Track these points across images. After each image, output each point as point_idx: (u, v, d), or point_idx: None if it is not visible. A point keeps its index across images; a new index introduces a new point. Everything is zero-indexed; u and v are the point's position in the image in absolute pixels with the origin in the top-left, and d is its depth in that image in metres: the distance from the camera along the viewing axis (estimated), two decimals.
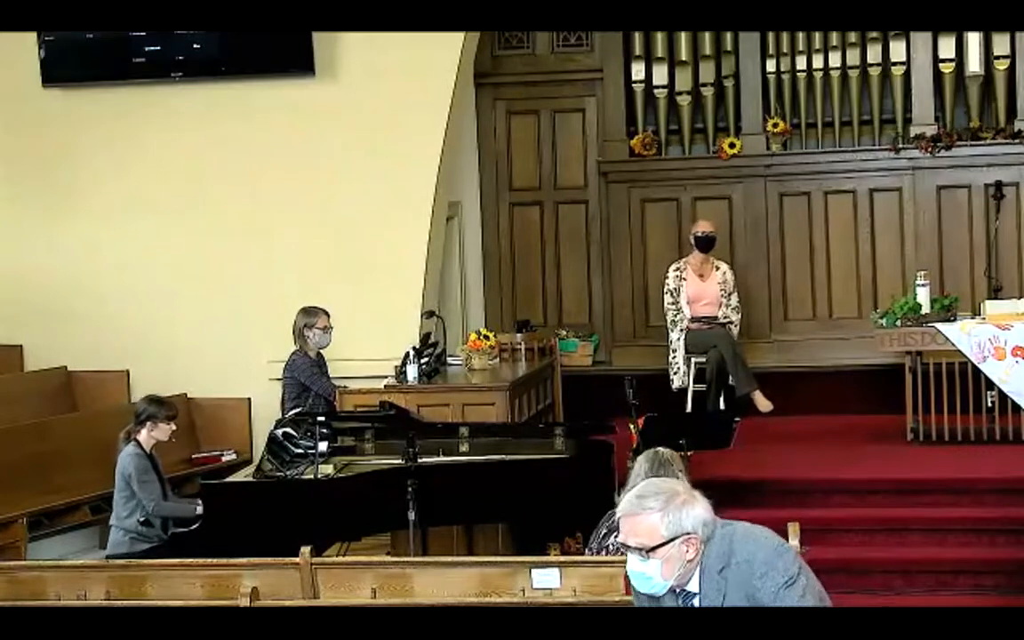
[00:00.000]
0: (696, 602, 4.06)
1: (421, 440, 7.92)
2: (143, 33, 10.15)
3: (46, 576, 6.43)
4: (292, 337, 9.27)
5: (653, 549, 3.99)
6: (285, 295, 9.81)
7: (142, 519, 7.78)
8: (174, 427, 8.02)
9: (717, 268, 10.82)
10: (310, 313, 9.23)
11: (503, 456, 8.14)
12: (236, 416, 10.42)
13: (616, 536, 6.18)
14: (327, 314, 9.24)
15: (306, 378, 9.13)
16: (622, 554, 5.95)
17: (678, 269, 10.79)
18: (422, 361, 9.39)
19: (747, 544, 4.04)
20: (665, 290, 10.79)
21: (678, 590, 4.06)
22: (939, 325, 9.44)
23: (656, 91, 11.80)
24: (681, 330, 10.64)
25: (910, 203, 11.50)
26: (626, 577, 5.56)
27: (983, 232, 11.26)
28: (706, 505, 4.07)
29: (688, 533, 4.00)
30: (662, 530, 3.99)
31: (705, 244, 10.74)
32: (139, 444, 7.87)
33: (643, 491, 4.06)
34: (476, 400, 9.19)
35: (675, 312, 10.68)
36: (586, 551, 6.63)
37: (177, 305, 10.50)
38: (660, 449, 5.57)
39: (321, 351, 9.31)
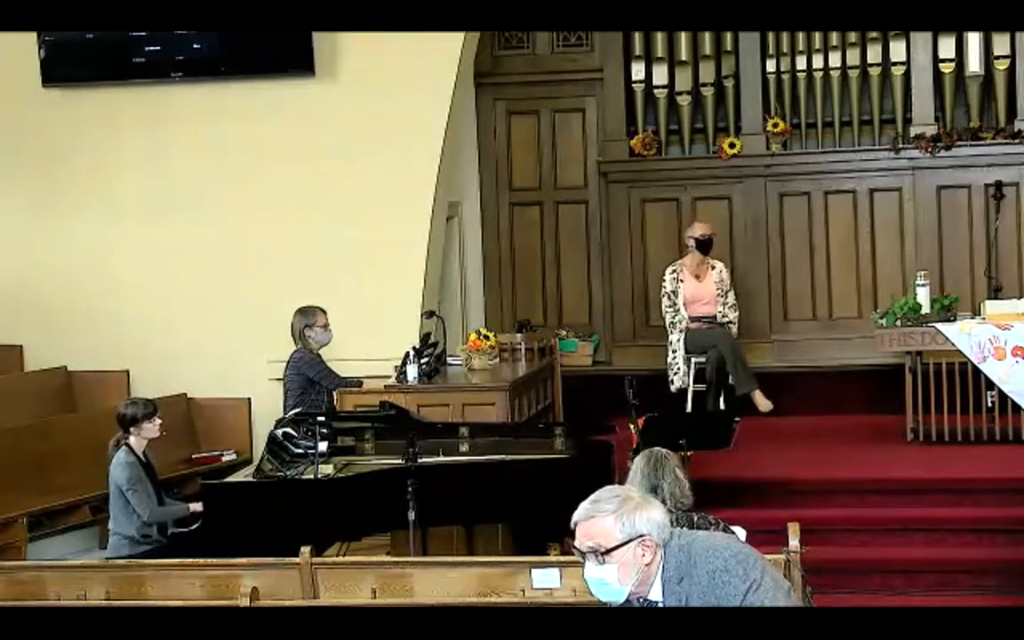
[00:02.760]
0: None
1: (421, 440, 7.91)
2: (143, 33, 10.15)
3: (46, 576, 6.43)
4: (292, 339, 9.26)
5: (608, 551, 3.98)
6: (285, 295, 9.80)
7: (141, 530, 7.76)
8: (160, 421, 7.98)
9: (713, 267, 10.81)
10: (307, 313, 9.21)
11: (503, 456, 8.14)
12: (236, 416, 10.43)
13: None
14: (324, 312, 9.23)
15: (316, 373, 9.11)
16: None
17: (674, 271, 10.79)
18: (422, 361, 9.39)
19: (706, 556, 4.03)
20: (662, 293, 10.79)
21: (641, 600, 4.05)
22: (939, 325, 9.44)
23: (656, 91, 11.80)
24: (680, 331, 10.64)
25: (910, 203, 11.50)
26: None
27: (983, 232, 11.26)
28: (662, 510, 4.06)
29: (643, 535, 3.99)
30: (616, 532, 3.98)
31: (706, 246, 10.74)
32: (131, 449, 7.83)
33: (598, 496, 4.07)
34: (476, 400, 9.19)
35: (673, 314, 10.69)
36: None
37: (177, 305, 10.50)
38: (655, 448, 5.58)
39: (321, 351, 9.31)
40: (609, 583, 4.01)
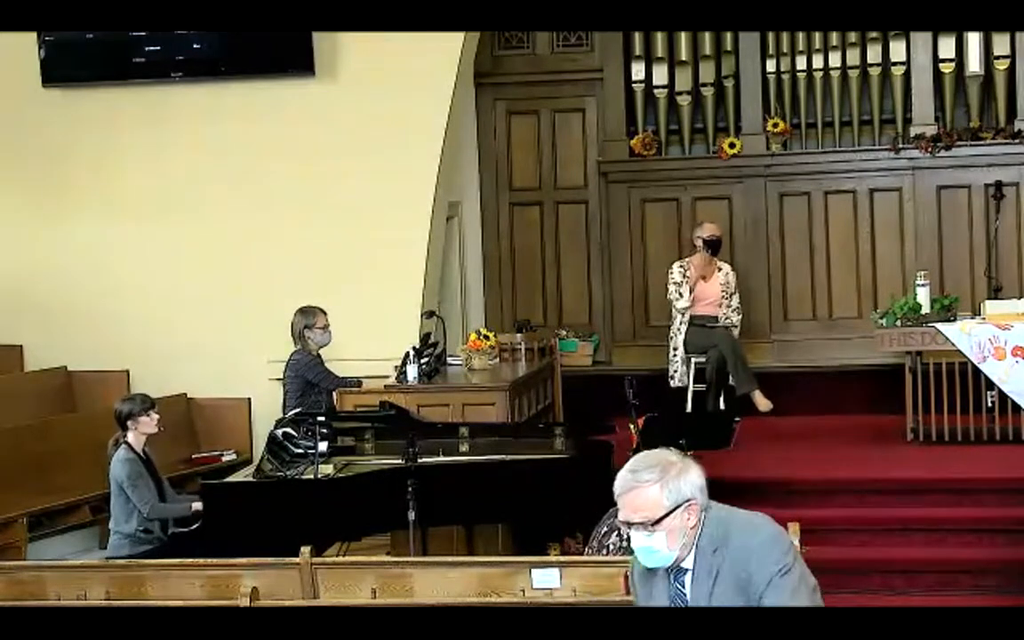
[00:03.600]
0: (687, 578, 4.07)
1: (421, 440, 7.91)
2: (143, 33, 10.15)
3: (46, 576, 6.43)
4: (292, 338, 9.26)
5: (658, 521, 4.00)
6: (285, 295, 9.80)
7: (140, 526, 7.76)
8: (157, 416, 7.97)
9: (719, 269, 10.81)
10: (308, 313, 9.21)
11: (503, 456, 8.14)
12: (236, 416, 10.43)
13: (615, 535, 6.20)
14: (325, 313, 9.22)
15: (314, 375, 9.11)
16: (623, 553, 5.98)
17: (683, 267, 10.75)
18: (422, 361, 9.39)
19: (744, 531, 4.06)
20: (671, 282, 10.66)
21: (671, 568, 4.08)
22: (939, 325, 9.44)
23: (656, 91, 11.80)
24: (683, 322, 10.59)
25: (910, 203, 11.51)
26: (626, 577, 5.57)
27: (983, 232, 11.26)
28: (700, 471, 4.09)
29: (688, 499, 4.02)
30: (664, 501, 4.01)
31: (715, 247, 10.71)
32: (130, 447, 7.82)
33: (636, 465, 4.07)
34: (476, 400, 9.19)
35: (681, 300, 10.62)
36: (586, 550, 6.63)
37: (177, 305, 10.50)
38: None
39: (320, 351, 9.31)
40: (658, 551, 4.04)
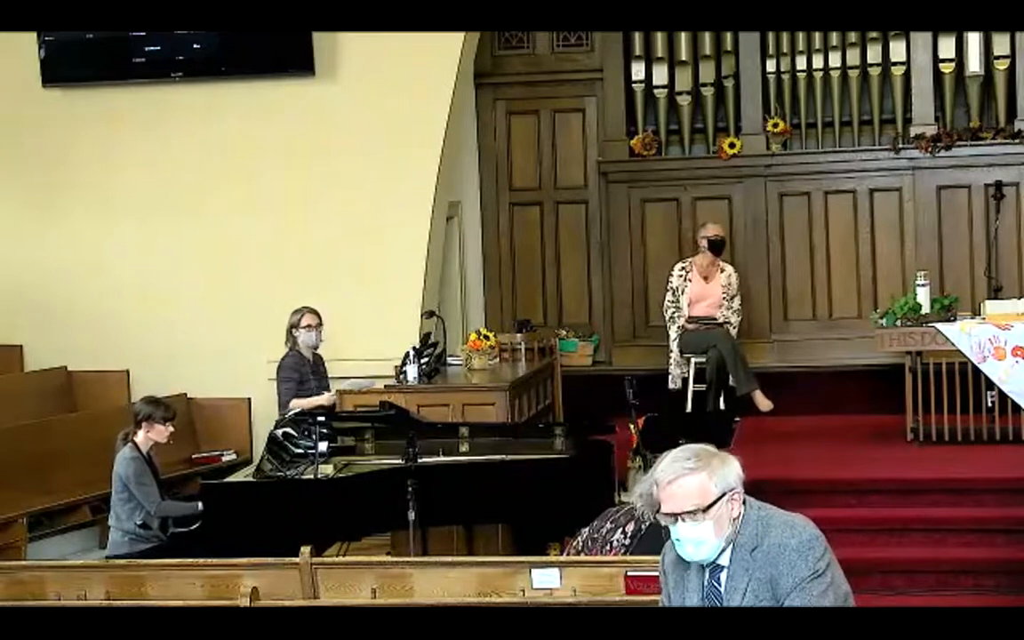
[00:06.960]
0: (723, 576, 4.08)
1: (421, 440, 7.92)
2: (143, 33, 10.15)
3: (46, 576, 6.42)
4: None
5: (708, 508, 4.00)
6: (285, 295, 9.80)
7: (140, 521, 7.76)
8: (172, 430, 7.94)
9: (722, 270, 10.82)
10: (297, 313, 9.23)
11: (503, 456, 8.14)
12: (236, 416, 10.42)
13: (620, 532, 6.19)
14: (313, 312, 9.19)
15: (291, 380, 9.10)
16: (625, 552, 5.98)
17: (683, 269, 10.78)
18: (422, 361, 9.40)
19: (783, 530, 4.09)
20: (668, 287, 10.79)
21: (707, 565, 4.08)
22: (939, 325, 9.44)
23: (656, 91, 11.80)
24: (678, 329, 10.65)
25: (910, 203, 11.51)
26: (626, 577, 5.57)
27: (983, 232, 11.27)
28: (738, 462, 4.12)
29: (733, 488, 4.05)
30: (712, 487, 4.03)
31: (718, 247, 10.75)
32: (136, 446, 7.83)
33: (677, 456, 4.08)
34: (476, 400, 9.20)
35: (674, 310, 10.69)
36: (578, 540, 6.60)
37: (177, 305, 10.50)
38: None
39: (318, 352, 9.29)
40: (706, 541, 4.04)
